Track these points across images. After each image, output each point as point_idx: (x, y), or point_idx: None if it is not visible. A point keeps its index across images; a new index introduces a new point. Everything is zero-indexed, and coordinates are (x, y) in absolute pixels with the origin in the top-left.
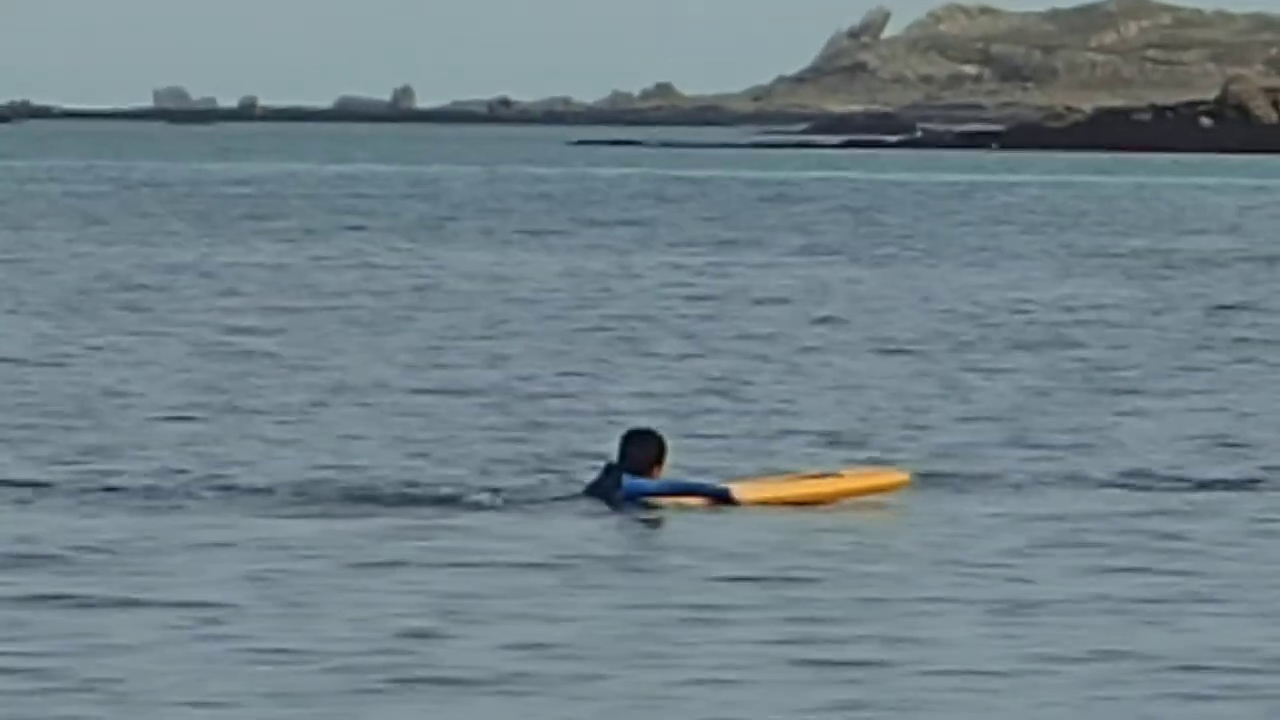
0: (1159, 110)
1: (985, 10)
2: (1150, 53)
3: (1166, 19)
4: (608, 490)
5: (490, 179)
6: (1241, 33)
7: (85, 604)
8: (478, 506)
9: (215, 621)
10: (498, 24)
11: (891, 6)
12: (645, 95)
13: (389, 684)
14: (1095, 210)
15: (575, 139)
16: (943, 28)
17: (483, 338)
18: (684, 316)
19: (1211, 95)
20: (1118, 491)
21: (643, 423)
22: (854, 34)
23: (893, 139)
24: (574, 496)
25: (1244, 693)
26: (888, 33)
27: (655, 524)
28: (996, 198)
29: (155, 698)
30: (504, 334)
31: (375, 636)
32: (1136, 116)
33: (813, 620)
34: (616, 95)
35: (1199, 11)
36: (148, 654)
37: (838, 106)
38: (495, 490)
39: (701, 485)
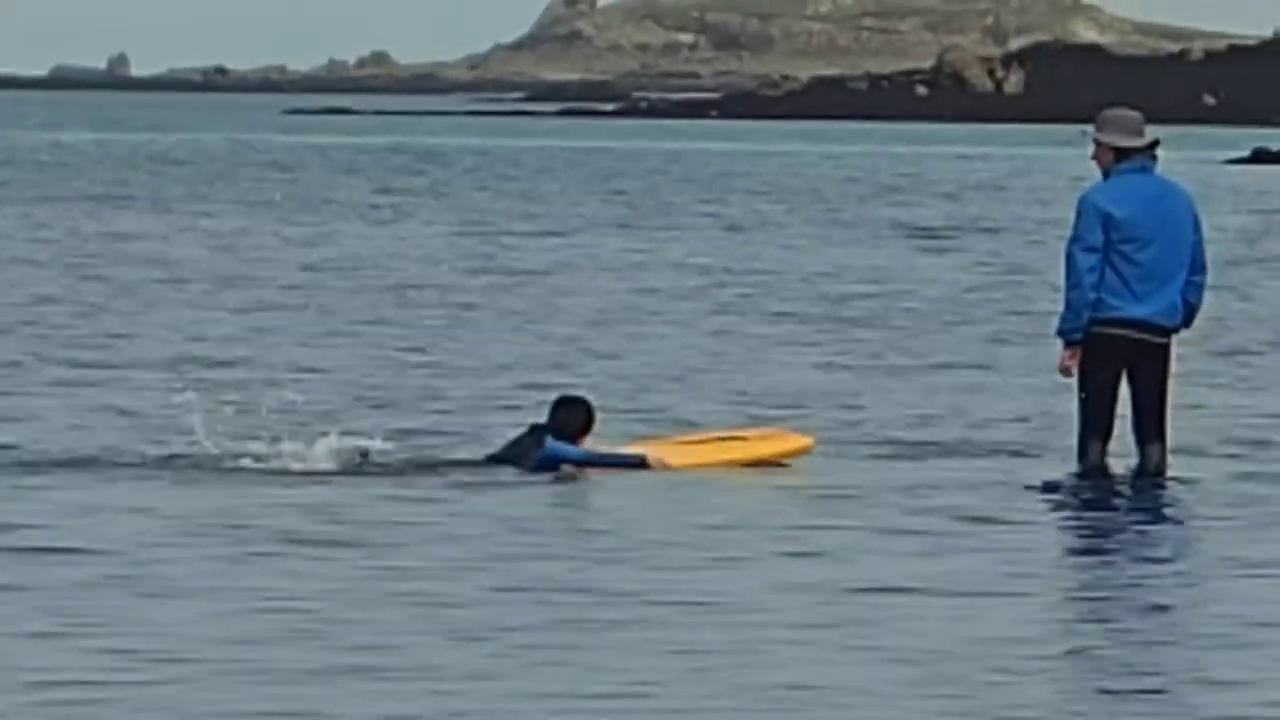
0: (875, 79)
1: None
2: (866, 21)
3: None
4: (526, 449)
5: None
6: (957, 1)
7: None
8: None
9: None
10: None
11: None
12: (361, 63)
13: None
14: (831, 177)
15: (290, 107)
16: None
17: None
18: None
19: (927, 64)
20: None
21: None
22: (570, 2)
23: (609, 107)
24: (486, 456)
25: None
26: (604, 1)
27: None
28: (735, 165)
29: None
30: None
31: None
32: (853, 85)
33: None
34: (332, 63)
35: None
36: None
37: (554, 75)
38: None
39: (618, 456)
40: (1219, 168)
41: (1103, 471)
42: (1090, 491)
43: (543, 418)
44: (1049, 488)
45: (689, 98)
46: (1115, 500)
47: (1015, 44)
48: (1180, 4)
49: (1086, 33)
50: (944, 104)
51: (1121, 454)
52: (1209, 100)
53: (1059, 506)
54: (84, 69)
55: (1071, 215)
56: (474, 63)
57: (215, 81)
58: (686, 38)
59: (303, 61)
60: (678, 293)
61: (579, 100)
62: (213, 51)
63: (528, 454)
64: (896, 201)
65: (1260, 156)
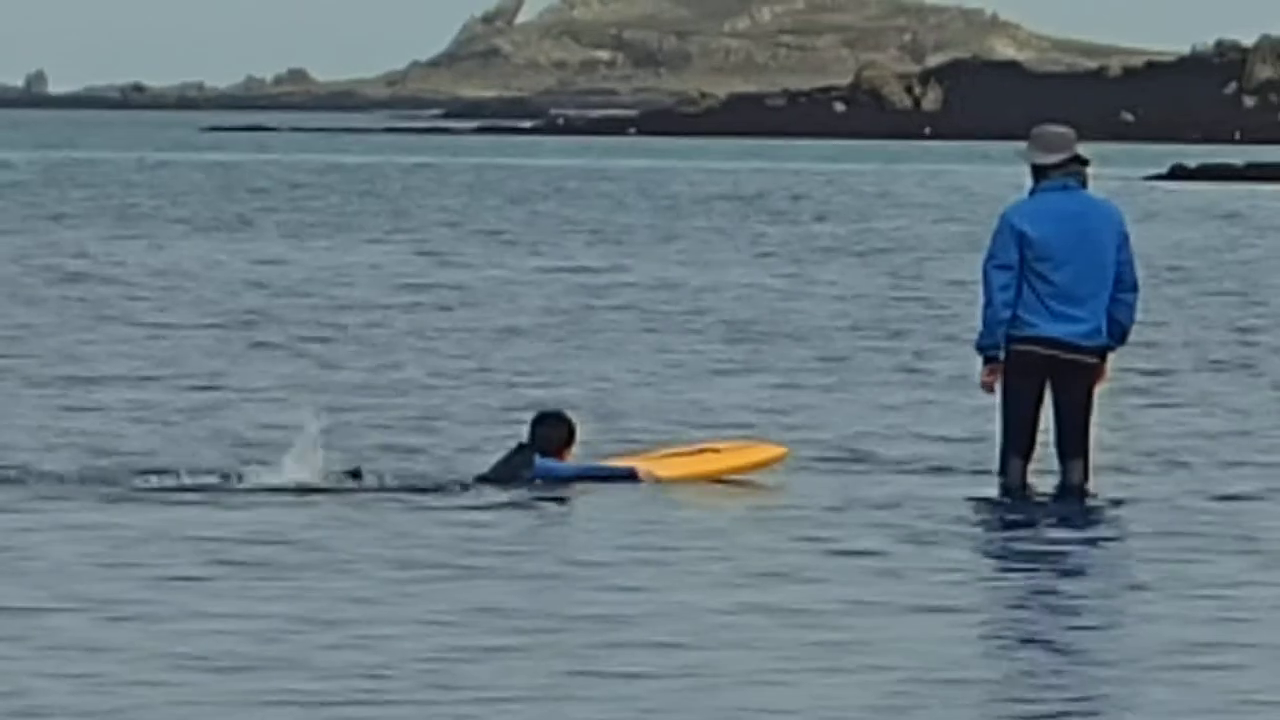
0: (793, 96)
1: None
2: (784, 38)
3: (800, 4)
4: (516, 469)
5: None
6: (874, 18)
7: None
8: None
9: None
10: (131, 9)
11: None
12: (279, 80)
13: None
14: (747, 193)
15: (208, 125)
16: (576, 13)
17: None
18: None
19: (845, 81)
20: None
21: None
22: (488, 19)
23: (527, 124)
24: (479, 475)
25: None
26: (521, 18)
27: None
28: (666, 183)
29: None
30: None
31: None
32: (771, 102)
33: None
34: (250, 81)
35: None
36: None
37: (472, 92)
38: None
39: (608, 469)
40: (1138, 184)
41: (1023, 489)
42: (1009, 510)
43: (524, 436)
44: (972, 505)
45: (607, 115)
46: (1035, 518)
47: (933, 61)
48: (1098, 21)
49: (1005, 50)
50: (862, 121)
51: (1045, 471)
52: (1127, 117)
53: (979, 524)
54: (1, 86)
55: (988, 232)
56: (392, 80)
57: (133, 99)
58: (604, 55)
59: (221, 79)
60: (594, 309)
61: (496, 118)
62: (131, 69)
63: (518, 473)
64: (817, 216)
65: (1178, 173)
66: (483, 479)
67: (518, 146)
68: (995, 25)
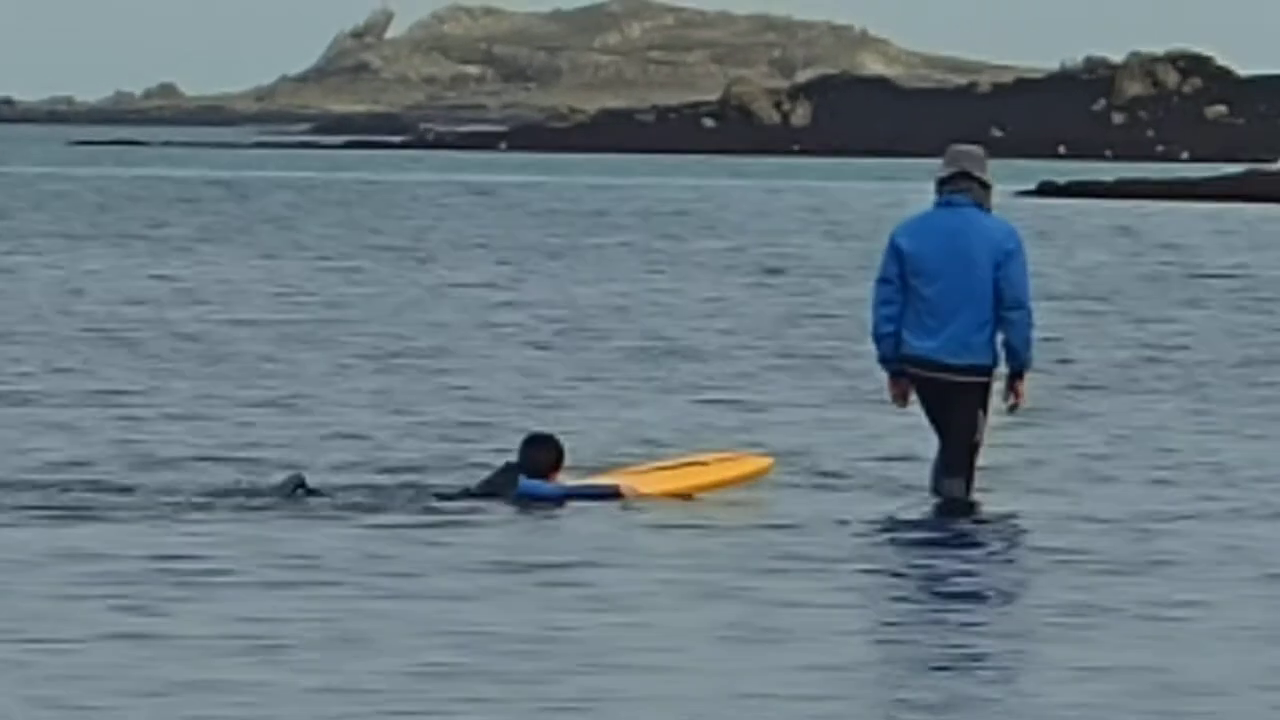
0: (663, 112)
1: (489, 11)
2: (654, 54)
3: (669, 20)
4: (500, 488)
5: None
6: (744, 34)
7: None
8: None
9: None
10: None
11: (395, 7)
12: (148, 95)
13: None
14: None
15: (77, 139)
16: (446, 28)
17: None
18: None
19: (715, 96)
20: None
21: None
22: (357, 34)
23: (396, 139)
24: (463, 492)
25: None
26: (391, 33)
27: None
28: (552, 199)
29: None
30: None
31: None
32: (640, 117)
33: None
34: (119, 95)
35: (701, 13)
36: None
37: (341, 107)
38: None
39: (592, 489)
40: (1008, 200)
41: (958, 504)
42: (923, 529)
43: (514, 456)
44: (878, 524)
45: (476, 130)
46: (937, 537)
47: (803, 77)
48: (968, 38)
49: (874, 65)
50: (731, 137)
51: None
52: (996, 133)
53: (890, 544)
54: None
55: (868, 248)
56: (261, 95)
57: (2, 112)
58: (474, 70)
59: (90, 93)
60: (482, 329)
61: (366, 133)
62: None
63: (502, 492)
64: (701, 232)
65: (1047, 189)
66: (468, 495)
67: (390, 161)
68: (865, 41)
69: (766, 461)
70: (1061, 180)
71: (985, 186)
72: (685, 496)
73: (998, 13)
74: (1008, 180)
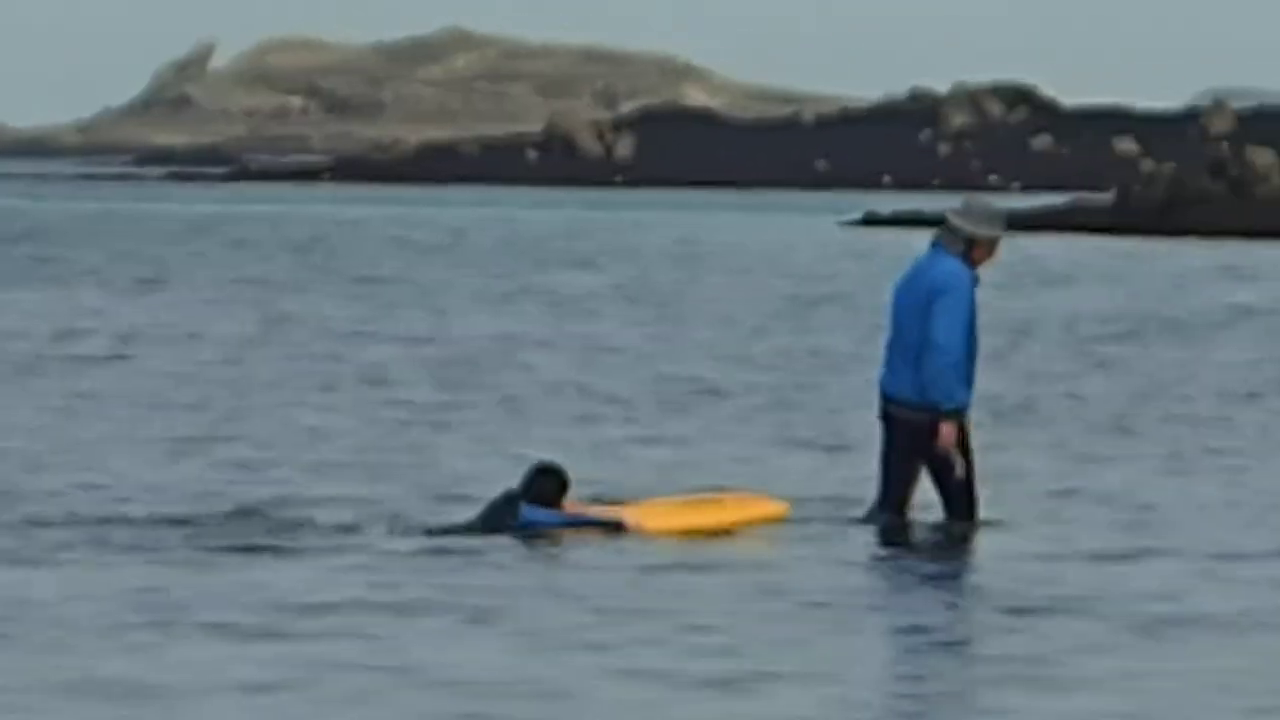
0: (486, 143)
1: (311, 43)
2: (478, 85)
3: (493, 52)
4: (503, 517)
5: None
6: (568, 66)
7: None
8: None
9: None
10: None
11: (218, 39)
12: None
13: None
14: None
15: None
16: (269, 60)
17: None
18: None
19: (538, 128)
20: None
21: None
22: (180, 66)
23: (219, 171)
24: (459, 525)
25: None
26: (214, 65)
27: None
28: (372, 230)
29: None
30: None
31: None
32: (464, 149)
33: None
34: None
35: (525, 44)
36: None
37: (164, 139)
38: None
39: (596, 519)
40: (832, 231)
41: (892, 536)
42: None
43: (515, 483)
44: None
45: (300, 161)
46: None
47: (626, 108)
48: (792, 69)
49: (698, 97)
50: (554, 169)
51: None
52: (821, 164)
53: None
54: None
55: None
56: (84, 127)
57: None
58: (297, 101)
59: None
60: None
61: (189, 164)
62: None
63: (503, 521)
64: (539, 263)
65: (871, 220)
66: (469, 526)
67: (215, 194)
68: (688, 72)
69: (782, 507)
70: (885, 211)
71: (953, 230)
72: (691, 533)
73: (822, 44)
74: (833, 212)
